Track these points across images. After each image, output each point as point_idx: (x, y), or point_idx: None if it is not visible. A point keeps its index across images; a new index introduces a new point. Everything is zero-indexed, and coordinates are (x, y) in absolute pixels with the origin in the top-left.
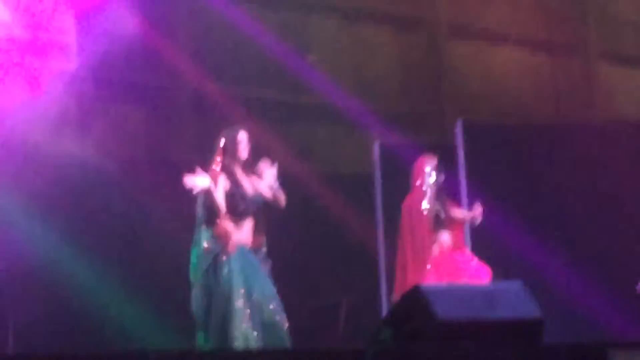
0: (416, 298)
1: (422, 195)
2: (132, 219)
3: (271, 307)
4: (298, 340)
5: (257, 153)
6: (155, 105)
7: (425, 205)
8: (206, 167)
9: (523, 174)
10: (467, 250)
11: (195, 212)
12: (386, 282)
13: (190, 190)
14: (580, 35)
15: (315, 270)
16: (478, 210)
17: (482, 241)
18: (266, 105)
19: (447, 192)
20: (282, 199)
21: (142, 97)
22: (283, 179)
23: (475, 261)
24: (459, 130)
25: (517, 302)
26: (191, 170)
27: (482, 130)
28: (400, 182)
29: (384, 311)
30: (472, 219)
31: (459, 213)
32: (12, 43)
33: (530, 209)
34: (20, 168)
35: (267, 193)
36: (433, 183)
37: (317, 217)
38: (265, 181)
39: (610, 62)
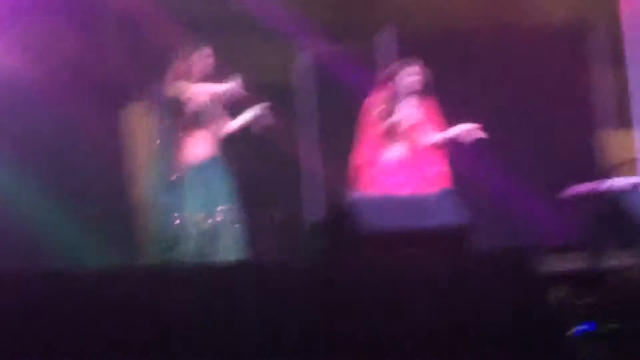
0: (344, 208)
1: (385, 95)
2: (54, 133)
3: (216, 219)
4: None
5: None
6: (77, 17)
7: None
8: (130, 80)
9: (452, 78)
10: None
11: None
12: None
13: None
14: None
15: (242, 184)
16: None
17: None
18: (192, 15)
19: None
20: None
21: (63, 8)
22: None
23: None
24: (387, 37)
25: (445, 209)
26: (114, 84)
27: (411, 36)
28: (326, 92)
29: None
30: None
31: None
32: None
33: (460, 114)
34: None
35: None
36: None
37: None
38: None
39: None
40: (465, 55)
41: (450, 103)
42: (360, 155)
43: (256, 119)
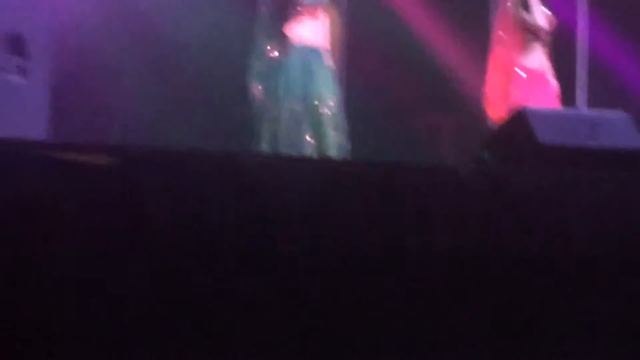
0: (518, 120)
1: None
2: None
3: (325, 111)
4: (402, 157)
5: None
6: None
7: (514, 9)
8: None
9: None
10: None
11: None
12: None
13: None
14: None
15: (420, 88)
16: None
17: (597, 74)
18: None
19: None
20: None
21: None
22: None
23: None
24: None
25: (621, 131)
26: None
27: None
28: None
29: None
30: None
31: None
32: None
33: None
34: None
35: None
36: None
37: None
38: None
39: None
40: None
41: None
42: (497, 62)
43: None
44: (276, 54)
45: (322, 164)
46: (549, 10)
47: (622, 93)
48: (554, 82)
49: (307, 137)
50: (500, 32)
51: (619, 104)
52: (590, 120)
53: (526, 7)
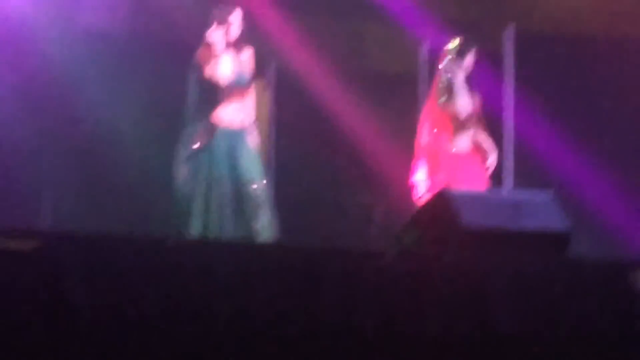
0: (441, 203)
1: (437, 86)
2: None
3: (252, 192)
4: (330, 238)
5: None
6: None
7: (440, 97)
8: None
9: (574, 88)
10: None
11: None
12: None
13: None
14: None
15: (353, 171)
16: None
17: (523, 155)
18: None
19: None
20: None
21: None
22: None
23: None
24: (508, 36)
25: (545, 213)
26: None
27: (534, 38)
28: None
29: None
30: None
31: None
32: None
33: (577, 125)
34: None
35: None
36: (454, 71)
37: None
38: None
39: None
40: (586, 63)
41: (567, 112)
42: (424, 146)
43: None
44: (203, 136)
45: (249, 248)
46: (476, 93)
47: (547, 174)
48: (486, 165)
49: (234, 220)
50: (427, 119)
51: (545, 185)
52: (514, 202)
53: (452, 93)
